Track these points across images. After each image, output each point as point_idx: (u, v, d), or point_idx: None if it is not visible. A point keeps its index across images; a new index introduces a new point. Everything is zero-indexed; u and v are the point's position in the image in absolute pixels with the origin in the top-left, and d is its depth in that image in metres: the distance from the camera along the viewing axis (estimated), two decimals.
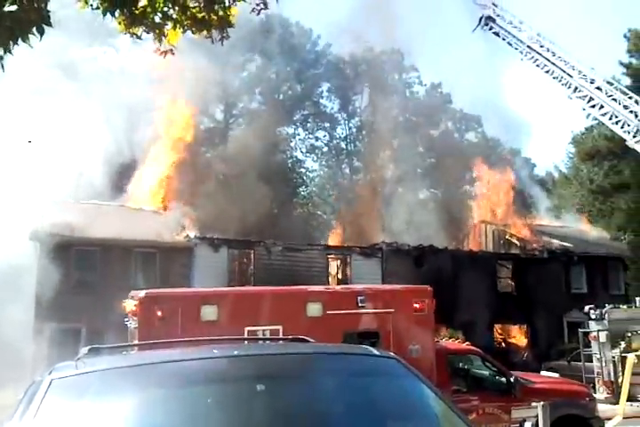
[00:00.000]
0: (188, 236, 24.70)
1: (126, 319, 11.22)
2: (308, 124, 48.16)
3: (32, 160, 23.54)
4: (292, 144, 48.05)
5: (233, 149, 42.46)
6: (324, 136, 48.65)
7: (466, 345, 13.91)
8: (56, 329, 20.52)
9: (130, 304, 10.83)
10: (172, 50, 4.17)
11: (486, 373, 12.15)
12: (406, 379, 3.13)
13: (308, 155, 48.63)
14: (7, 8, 3.39)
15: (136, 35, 4.02)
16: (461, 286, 24.39)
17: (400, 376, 3.14)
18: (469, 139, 50.39)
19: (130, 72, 28.21)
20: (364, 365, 3.24)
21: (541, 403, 8.85)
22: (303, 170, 48.49)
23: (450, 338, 16.01)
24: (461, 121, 50.18)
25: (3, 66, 3.57)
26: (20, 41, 3.47)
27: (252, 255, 25.67)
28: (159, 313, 10.14)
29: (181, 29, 4.05)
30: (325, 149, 48.64)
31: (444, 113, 49.63)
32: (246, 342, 5.93)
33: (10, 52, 3.52)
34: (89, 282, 22.11)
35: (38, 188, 22.87)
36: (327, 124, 48.16)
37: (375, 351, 3.47)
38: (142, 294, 10.71)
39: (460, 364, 12.55)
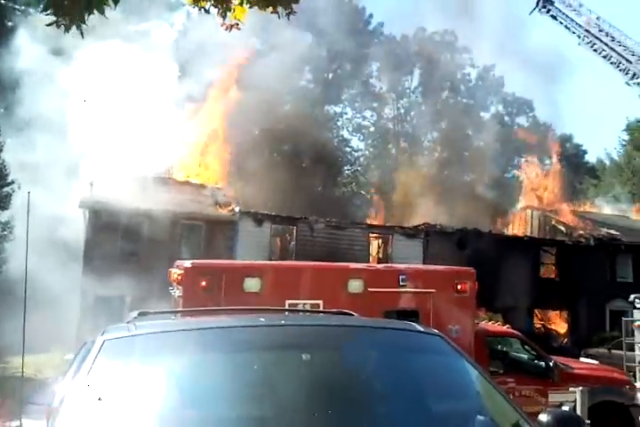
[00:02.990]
0: (232, 210, 24.97)
1: (171, 288, 11.45)
2: (356, 104, 47.86)
3: (84, 129, 24.00)
4: (339, 123, 47.89)
5: (279, 126, 42.51)
6: (372, 116, 48.35)
7: (506, 328, 13.84)
8: (101, 296, 21.05)
9: (175, 273, 11.05)
10: (237, 24, 4.21)
11: (525, 356, 12.10)
12: (450, 356, 3.13)
13: (354, 134, 48.45)
14: None
15: (204, 8, 4.08)
16: (503, 271, 24.16)
17: (444, 353, 3.14)
18: (520, 123, 49.47)
19: (181, 47, 28.35)
20: (409, 340, 3.26)
21: (580, 388, 8.79)
22: (349, 149, 48.35)
23: (490, 321, 15.93)
24: (513, 105, 49.24)
25: (82, 33, 3.68)
26: (95, 11, 3.56)
27: (295, 231, 25.83)
28: (203, 283, 10.33)
29: (248, 5, 4.09)
30: (372, 128, 48.33)
31: (496, 96, 48.76)
32: (288, 313, 6.01)
33: (84, 22, 3.63)
34: (135, 251, 22.56)
35: (89, 156, 23.36)
36: (375, 104, 47.78)
37: (419, 327, 3.47)
38: (188, 263, 10.92)
39: (499, 346, 12.52)
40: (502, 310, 23.66)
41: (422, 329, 3.44)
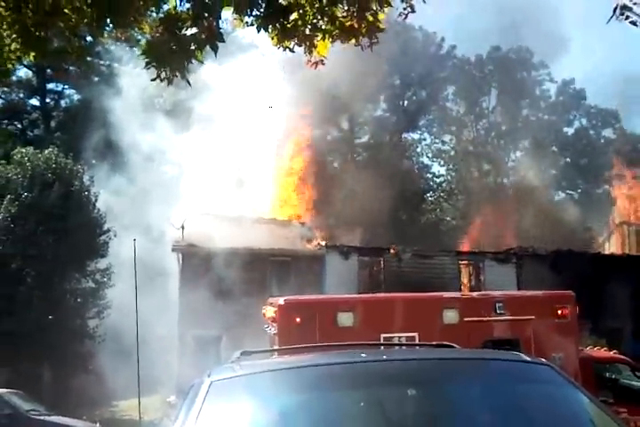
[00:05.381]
0: (319, 244, 25.13)
1: (265, 326, 11.57)
2: (434, 129, 47.61)
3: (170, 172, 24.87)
4: (418, 150, 47.73)
5: (359, 157, 42.79)
6: (451, 140, 47.90)
7: (613, 353, 13.18)
8: (198, 336, 21.48)
9: (269, 311, 11.17)
10: (322, 61, 4.28)
11: (636, 383, 11.46)
12: (561, 387, 3.02)
13: (434, 160, 48.08)
14: (189, 31, 3.66)
15: (288, 48, 4.18)
16: (604, 292, 23.11)
17: (555, 384, 3.03)
18: (607, 135, 47.83)
19: (257, 86, 29.03)
20: (517, 371, 3.17)
21: None
22: (430, 175, 47.99)
23: (594, 346, 15.22)
24: (597, 117, 47.73)
25: (189, 81, 3.84)
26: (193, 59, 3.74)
27: (382, 262, 25.66)
28: (298, 319, 10.40)
29: (330, 40, 4.17)
30: (452, 152, 47.87)
31: (578, 110, 47.47)
32: (384, 347, 5.93)
33: (187, 71, 3.80)
34: (227, 290, 22.95)
35: (178, 199, 24.16)
36: (453, 128, 47.38)
37: (527, 358, 3.38)
38: (282, 300, 11.03)
39: (607, 373, 11.92)
40: (607, 334, 22.51)
41: (530, 359, 3.34)
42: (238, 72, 27.37)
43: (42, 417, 15.49)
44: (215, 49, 3.82)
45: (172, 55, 3.71)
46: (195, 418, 2.69)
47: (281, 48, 4.19)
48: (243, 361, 3.31)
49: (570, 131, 47.24)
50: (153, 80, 3.89)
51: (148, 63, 3.76)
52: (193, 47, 3.74)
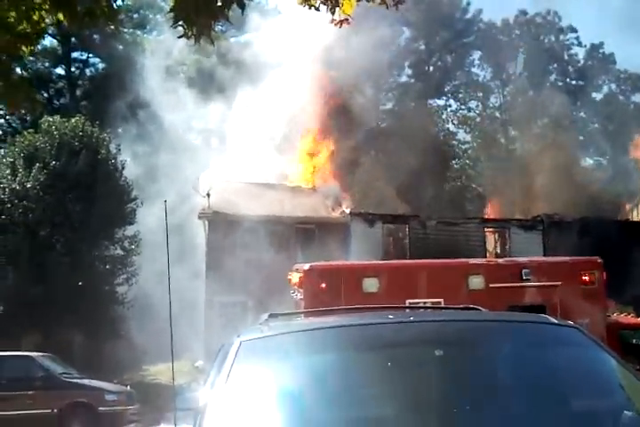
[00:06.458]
0: (343, 212, 25.14)
1: (292, 291, 11.69)
2: (460, 95, 46.94)
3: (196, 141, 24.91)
4: (444, 116, 47.14)
5: (384, 124, 42.41)
6: (477, 106, 47.26)
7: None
8: (225, 302, 21.76)
9: (295, 277, 11.27)
10: (347, 19, 4.21)
11: None
12: (589, 349, 3.00)
13: (460, 126, 47.49)
14: None
15: (314, 6, 4.11)
16: (632, 259, 22.89)
17: (582, 346, 3.01)
18: (637, 101, 46.82)
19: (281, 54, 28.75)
20: (544, 333, 3.15)
21: None
22: (455, 142, 47.47)
23: (620, 313, 15.16)
24: (627, 82, 46.64)
25: (212, 41, 3.83)
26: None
27: (407, 230, 25.62)
28: (323, 285, 10.50)
29: None
30: (478, 119, 47.24)
31: (607, 74, 46.42)
32: (410, 310, 5.94)
33: (213, 30, 3.78)
34: (253, 257, 23.14)
35: (204, 167, 24.25)
36: (480, 94, 46.66)
37: (554, 320, 3.36)
38: (307, 266, 11.12)
39: (634, 340, 11.89)
40: (633, 301, 22.37)
41: (557, 321, 3.32)
42: (261, 38, 27.16)
43: (75, 380, 15.91)
44: (242, 6, 3.78)
45: (200, 12, 3.69)
46: (225, 377, 2.72)
47: (305, 6, 4.11)
48: (271, 323, 3.34)
49: (598, 96, 46.35)
50: (180, 38, 3.88)
51: (175, 21, 3.74)
52: (220, 4, 3.70)
